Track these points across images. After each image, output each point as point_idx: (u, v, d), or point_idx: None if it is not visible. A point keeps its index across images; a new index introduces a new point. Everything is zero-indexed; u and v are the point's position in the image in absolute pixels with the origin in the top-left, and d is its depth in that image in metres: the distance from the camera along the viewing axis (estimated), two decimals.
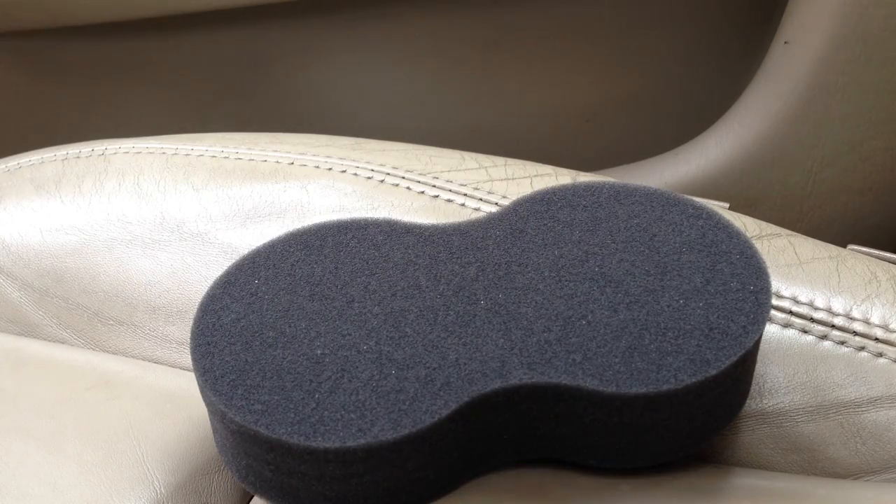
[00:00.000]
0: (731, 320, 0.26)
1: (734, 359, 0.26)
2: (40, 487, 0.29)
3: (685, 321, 0.27)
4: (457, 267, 0.29)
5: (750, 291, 0.27)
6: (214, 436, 0.28)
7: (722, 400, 0.27)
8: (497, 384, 0.26)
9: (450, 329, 0.27)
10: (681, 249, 0.29)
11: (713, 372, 0.25)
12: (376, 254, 0.30)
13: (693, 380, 0.25)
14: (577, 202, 0.31)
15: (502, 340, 0.27)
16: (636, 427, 0.26)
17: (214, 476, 0.30)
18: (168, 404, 0.32)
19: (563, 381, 0.25)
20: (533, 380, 0.26)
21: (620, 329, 0.27)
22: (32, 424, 0.31)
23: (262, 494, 0.27)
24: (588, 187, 0.31)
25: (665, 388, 0.25)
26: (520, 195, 0.35)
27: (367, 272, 0.29)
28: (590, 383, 0.25)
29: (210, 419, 0.28)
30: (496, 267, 0.29)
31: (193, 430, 0.31)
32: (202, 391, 0.27)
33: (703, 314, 0.27)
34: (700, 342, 0.26)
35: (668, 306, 0.27)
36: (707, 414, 0.27)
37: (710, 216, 0.30)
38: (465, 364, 0.26)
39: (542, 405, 0.26)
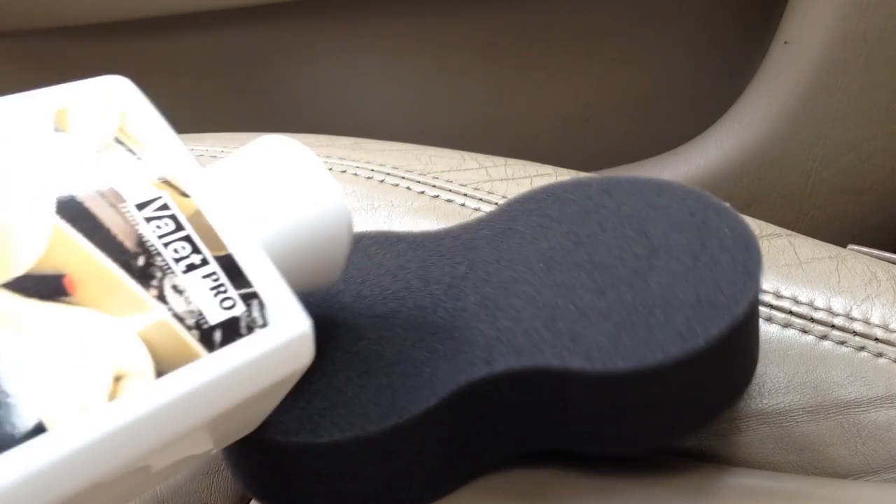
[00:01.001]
0: (720, 291, 0.26)
1: (723, 328, 0.25)
2: None
3: (674, 297, 0.26)
4: (447, 267, 0.29)
5: (740, 263, 0.27)
6: None
7: (718, 376, 0.26)
8: (484, 371, 0.25)
9: (439, 325, 0.27)
10: (670, 230, 0.28)
11: (701, 342, 0.25)
12: (368, 263, 0.30)
13: (680, 351, 0.25)
14: (567, 197, 0.31)
15: (491, 330, 0.27)
16: (630, 407, 0.26)
17: (214, 476, 0.30)
18: None
19: (551, 364, 0.25)
20: (521, 364, 0.25)
21: (608, 310, 0.26)
22: None
23: (262, 498, 0.27)
24: (577, 183, 0.31)
25: (652, 362, 0.25)
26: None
27: (358, 280, 0.29)
28: (577, 363, 0.25)
29: None
30: (485, 264, 0.29)
31: None
32: None
33: (692, 289, 0.26)
34: (688, 315, 0.25)
35: (657, 284, 0.27)
36: (704, 391, 0.26)
37: (700, 196, 0.29)
38: (452, 355, 0.26)
39: (532, 391, 0.26)
